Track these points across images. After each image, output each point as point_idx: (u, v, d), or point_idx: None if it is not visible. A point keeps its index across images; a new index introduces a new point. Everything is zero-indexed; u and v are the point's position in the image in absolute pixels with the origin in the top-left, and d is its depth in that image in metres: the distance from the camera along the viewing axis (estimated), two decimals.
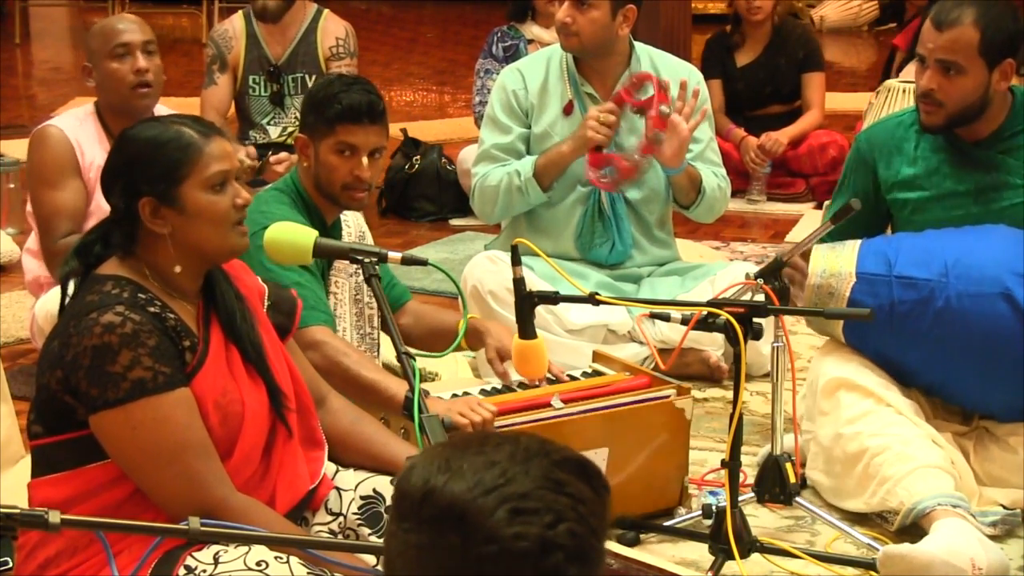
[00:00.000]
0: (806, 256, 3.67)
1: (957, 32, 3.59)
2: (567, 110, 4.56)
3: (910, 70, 4.95)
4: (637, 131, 4.50)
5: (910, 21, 7.51)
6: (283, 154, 5.52)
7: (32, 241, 4.61)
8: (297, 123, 5.67)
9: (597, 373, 3.84)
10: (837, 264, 3.63)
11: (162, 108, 4.50)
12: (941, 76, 3.62)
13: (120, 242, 2.67)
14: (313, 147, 3.59)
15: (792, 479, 3.38)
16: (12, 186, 6.16)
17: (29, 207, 4.55)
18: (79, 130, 4.40)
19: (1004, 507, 3.57)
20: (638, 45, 4.64)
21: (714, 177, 4.59)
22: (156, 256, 2.67)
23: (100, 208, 4.28)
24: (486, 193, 4.54)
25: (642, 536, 3.50)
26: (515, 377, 3.71)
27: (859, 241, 3.69)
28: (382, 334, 3.97)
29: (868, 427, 3.57)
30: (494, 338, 3.74)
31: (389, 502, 2.89)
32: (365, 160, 3.58)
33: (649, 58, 4.63)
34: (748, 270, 4.21)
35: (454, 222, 6.67)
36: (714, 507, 3.29)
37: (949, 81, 3.61)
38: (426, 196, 6.75)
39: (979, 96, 3.63)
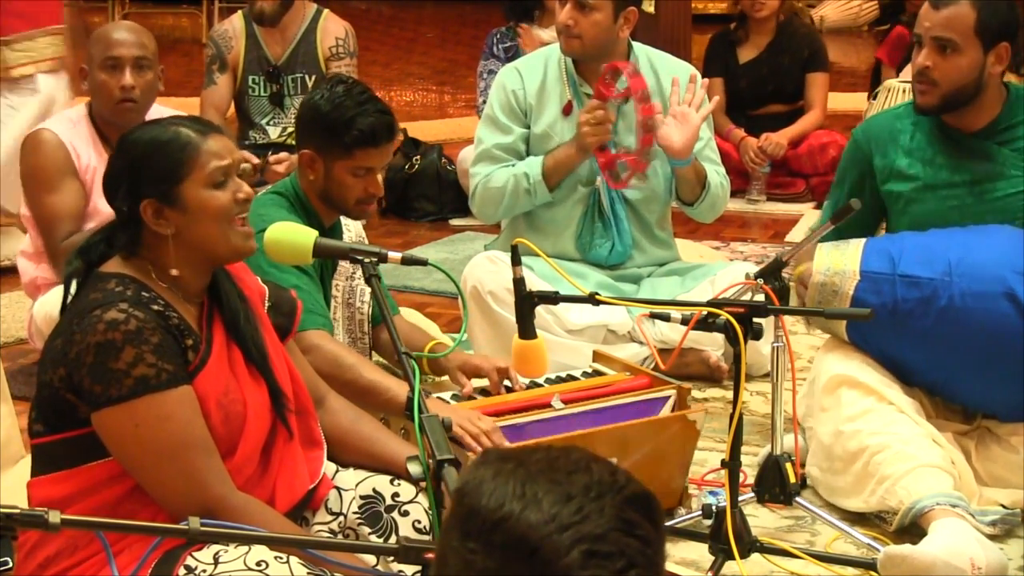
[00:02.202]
0: (809, 257, 3.67)
1: (954, 10, 3.63)
2: (566, 111, 4.56)
3: (909, 71, 4.96)
4: (634, 127, 4.51)
5: (889, 32, 7.55)
6: (283, 154, 5.51)
7: (27, 244, 4.61)
8: None
9: (597, 373, 3.84)
10: (841, 262, 3.63)
11: (160, 109, 4.49)
12: (937, 54, 3.65)
13: (124, 244, 2.68)
14: (324, 164, 3.58)
15: (792, 479, 3.38)
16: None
17: (24, 211, 4.54)
18: (73, 133, 4.39)
19: (1004, 507, 3.57)
20: (636, 45, 4.64)
21: (716, 175, 4.59)
22: (160, 257, 2.67)
23: (98, 210, 4.28)
24: (490, 194, 4.53)
25: None
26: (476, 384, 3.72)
27: (863, 240, 3.70)
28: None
29: (868, 425, 3.57)
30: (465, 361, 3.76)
31: (393, 503, 2.90)
32: (379, 177, 3.60)
33: (647, 58, 4.63)
34: (748, 270, 4.22)
35: (454, 222, 6.67)
36: (714, 507, 3.29)
37: (945, 59, 3.64)
38: (426, 196, 6.75)
39: (974, 78, 3.66)
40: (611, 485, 1.49)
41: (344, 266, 3.82)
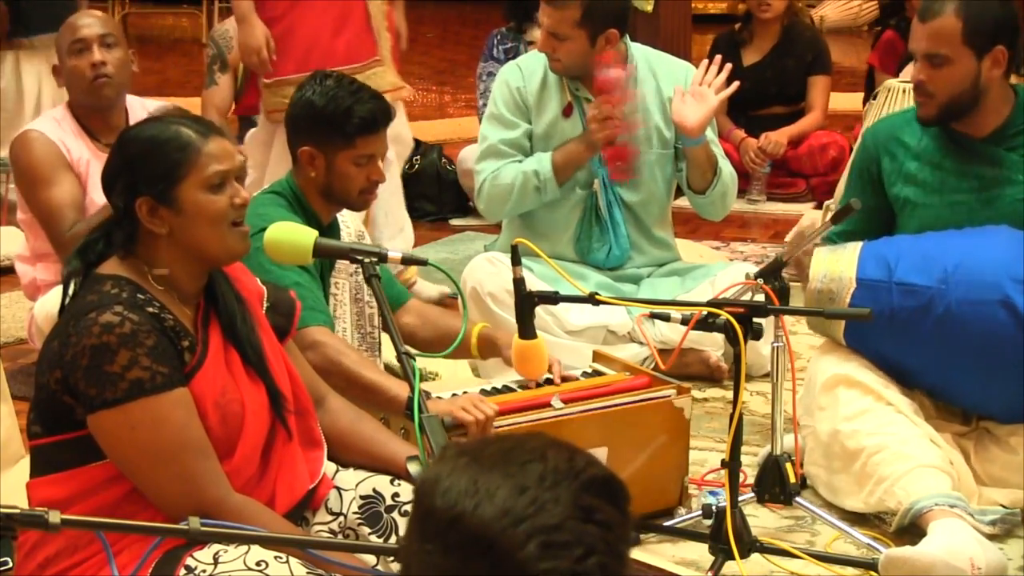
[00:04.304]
0: (808, 255, 3.68)
1: (939, 23, 3.61)
2: (566, 112, 4.56)
3: (909, 70, 4.96)
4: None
5: (880, 36, 7.56)
6: None
7: (23, 247, 4.60)
8: None
9: (597, 373, 3.84)
10: (838, 268, 3.63)
11: (147, 104, 4.50)
12: (930, 68, 3.64)
13: (121, 242, 2.67)
14: (325, 159, 3.57)
15: (792, 479, 3.38)
16: (12, 186, 6.15)
17: (19, 214, 4.54)
18: (59, 130, 4.42)
19: (1004, 507, 3.57)
20: (635, 46, 4.64)
21: (725, 164, 4.60)
22: (156, 256, 2.67)
23: (95, 204, 4.28)
24: (498, 191, 4.52)
25: (642, 536, 3.50)
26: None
27: (860, 244, 3.69)
28: (383, 334, 3.97)
29: (866, 425, 3.57)
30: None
31: (393, 503, 2.90)
32: (381, 164, 3.60)
33: (645, 59, 4.64)
34: (748, 270, 4.22)
35: (454, 222, 6.67)
36: (714, 507, 3.29)
37: (938, 72, 3.63)
38: (426, 196, 6.75)
39: (970, 85, 3.64)
40: (567, 472, 1.46)
41: (346, 263, 3.82)
